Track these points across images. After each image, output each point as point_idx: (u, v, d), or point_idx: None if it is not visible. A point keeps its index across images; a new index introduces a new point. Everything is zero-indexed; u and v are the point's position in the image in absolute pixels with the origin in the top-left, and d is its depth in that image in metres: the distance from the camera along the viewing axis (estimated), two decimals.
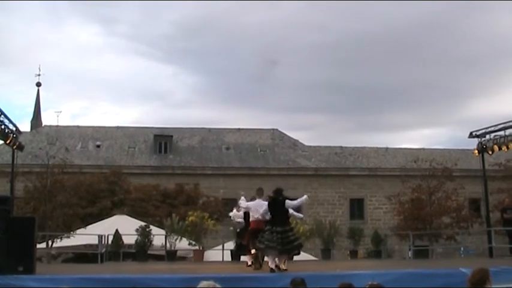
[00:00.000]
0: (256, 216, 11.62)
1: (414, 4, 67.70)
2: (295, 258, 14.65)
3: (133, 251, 19.37)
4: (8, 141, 15.02)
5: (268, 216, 11.26)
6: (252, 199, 12.25)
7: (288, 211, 11.28)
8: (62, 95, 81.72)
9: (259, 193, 12.07)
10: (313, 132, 73.78)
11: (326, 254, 20.24)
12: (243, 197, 12.40)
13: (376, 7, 67.80)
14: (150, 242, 19.00)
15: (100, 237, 18.61)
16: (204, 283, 4.68)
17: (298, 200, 11.63)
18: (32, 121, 47.53)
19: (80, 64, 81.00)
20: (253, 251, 11.84)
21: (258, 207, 11.64)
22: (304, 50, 73.76)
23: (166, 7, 75.51)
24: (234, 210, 13.84)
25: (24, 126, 40.47)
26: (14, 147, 15.76)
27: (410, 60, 73.31)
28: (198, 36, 75.90)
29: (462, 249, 27.32)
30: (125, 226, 20.14)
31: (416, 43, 71.64)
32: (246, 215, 12.51)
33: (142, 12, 76.84)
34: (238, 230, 14.26)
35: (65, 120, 75.58)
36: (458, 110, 74.82)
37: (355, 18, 71.71)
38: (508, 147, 17.08)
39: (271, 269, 10.58)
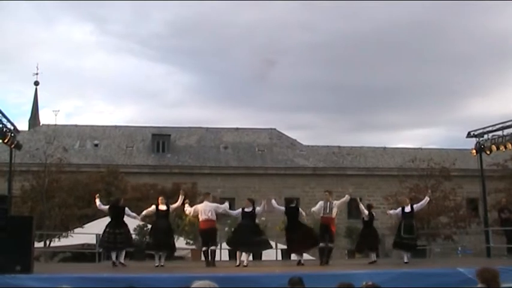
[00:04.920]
0: (203, 217, 13.00)
1: (412, 4, 67.76)
2: (293, 257, 14.68)
3: (131, 250, 19.33)
4: (5, 140, 14.97)
5: (214, 217, 13.02)
6: (201, 202, 13.93)
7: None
8: (57, 94, 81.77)
9: (207, 196, 13.67)
10: (311, 131, 73.95)
11: None
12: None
13: (373, 7, 67.88)
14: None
15: (98, 236, 18.55)
16: (199, 283, 4.63)
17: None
18: (29, 120, 47.48)
19: (74, 63, 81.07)
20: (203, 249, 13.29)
21: (206, 209, 13.00)
22: (302, 49, 73.85)
23: (159, 6, 75.58)
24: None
25: (21, 125, 40.44)
26: (12, 146, 15.72)
27: (407, 60, 73.46)
28: (191, 35, 76.02)
29: (460, 249, 27.28)
30: None
31: (412, 43, 71.75)
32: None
33: (134, 11, 76.86)
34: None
35: (59, 119, 75.64)
36: (454, 109, 74.94)
37: (353, 18, 71.73)
38: (506, 147, 17.06)
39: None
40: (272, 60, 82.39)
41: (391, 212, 15.50)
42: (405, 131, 78.54)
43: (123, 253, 13.63)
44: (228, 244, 14.16)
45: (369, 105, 76.24)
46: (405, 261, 13.78)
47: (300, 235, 13.51)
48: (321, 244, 13.74)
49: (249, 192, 31.15)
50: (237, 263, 12.90)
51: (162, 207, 13.81)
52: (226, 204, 13.72)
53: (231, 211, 14.18)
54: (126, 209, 13.96)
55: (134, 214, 14.37)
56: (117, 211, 13.73)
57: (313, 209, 14.12)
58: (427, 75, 72.36)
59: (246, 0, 72.04)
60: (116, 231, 13.43)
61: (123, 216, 13.78)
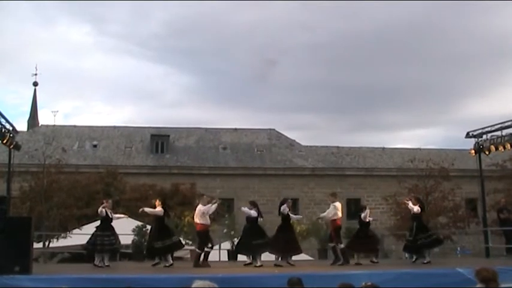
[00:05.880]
0: (195, 220, 13.27)
1: (412, 4, 67.80)
2: (293, 258, 14.67)
3: (130, 251, 19.32)
4: (4, 141, 14.95)
5: (204, 220, 13.03)
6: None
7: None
8: (56, 95, 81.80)
9: (200, 198, 14.03)
10: (309, 132, 74.06)
11: (323, 254, 20.23)
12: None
13: (373, 7, 67.90)
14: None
15: None
16: (199, 283, 4.62)
17: None
18: (28, 120, 47.47)
19: (72, 64, 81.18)
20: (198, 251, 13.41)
21: (198, 213, 13.14)
22: (300, 49, 73.93)
23: (157, 6, 75.60)
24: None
25: (20, 125, 40.43)
26: (11, 146, 15.70)
27: (405, 60, 73.56)
28: (190, 35, 76.16)
29: (459, 249, 27.32)
30: (121, 226, 20.03)
31: (412, 43, 71.83)
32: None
33: (132, 12, 76.93)
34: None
35: (58, 120, 75.60)
36: (453, 110, 75.07)
37: (353, 18, 71.78)
38: (504, 148, 17.07)
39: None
40: (272, 60, 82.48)
41: (412, 205, 14.97)
42: (404, 131, 78.77)
43: (107, 255, 13.74)
44: (237, 249, 14.25)
45: (368, 106, 76.49)
46: (412, 260, 14.51)
47: (286, 239, 13.47)
48: (329, 244, 14.92)
49: (248, 193, 31.16)
50: (258, 264, 12.89)
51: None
52: (213, 206, 13.35)
53: (246, 209, 13.80)
54: (109, 212, 13.92)
55: (117, 215, 14.54)
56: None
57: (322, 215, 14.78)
58: (427, 75, 72.52)
59: (246, 0, 72.09)
60: (97, 233, 13.61)
61: (109, 219, 13.80)
